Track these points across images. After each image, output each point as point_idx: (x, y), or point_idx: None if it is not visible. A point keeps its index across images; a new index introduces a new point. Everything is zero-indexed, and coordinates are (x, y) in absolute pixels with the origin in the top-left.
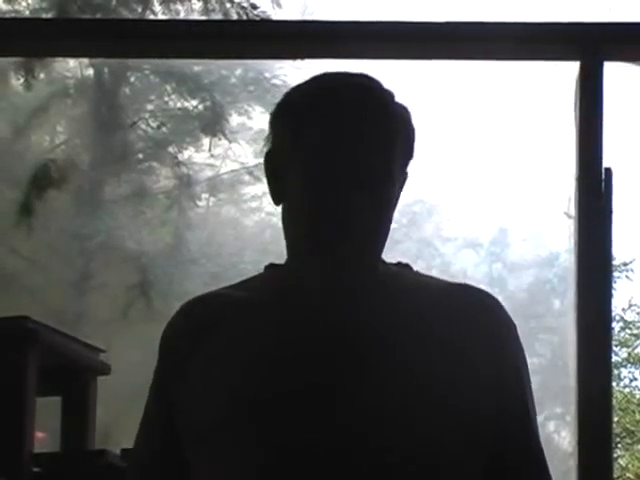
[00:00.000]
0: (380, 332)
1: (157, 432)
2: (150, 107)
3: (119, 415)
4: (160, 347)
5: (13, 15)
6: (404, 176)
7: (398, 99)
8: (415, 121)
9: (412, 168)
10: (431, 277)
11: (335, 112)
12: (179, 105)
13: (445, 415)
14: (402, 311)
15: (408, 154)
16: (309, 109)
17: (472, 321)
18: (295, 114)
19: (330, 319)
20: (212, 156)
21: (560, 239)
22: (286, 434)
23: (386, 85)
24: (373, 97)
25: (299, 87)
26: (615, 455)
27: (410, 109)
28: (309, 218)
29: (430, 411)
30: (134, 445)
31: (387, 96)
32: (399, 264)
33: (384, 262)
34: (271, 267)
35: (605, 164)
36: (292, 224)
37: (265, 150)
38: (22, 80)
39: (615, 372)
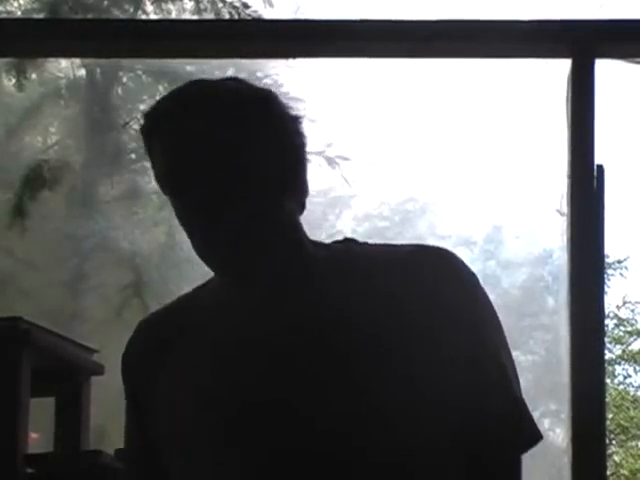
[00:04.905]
0: (346, 322)
1: (136, 441)
2: (143, 107)
3: (113, 415)
4: (124, 365)
5: (4, 16)
6: (288, 155)
7: (247, 87)
8: (401, 116)
9: (405, 166)
10: (381, 246)
11: (166, 123)
12: None
13: (426, 404)
14: (364, 293)
15: (275, 137)
16: (150, 130)
17: (439, 290)
18: (145, 138)
19: (288, 315)
20: None
21: (553, 236)
22: (263, 443)
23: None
24: (203, 100)
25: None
26: (609, 452)
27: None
28: (197, 245)
29: (411, 402)
30: (124, 448)
31: (224, 87)
32: (345, 240)
33: (325, 243)
34: None
35: (597, 161)
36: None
37: None
38: (14, 81)
39: (609, 369)
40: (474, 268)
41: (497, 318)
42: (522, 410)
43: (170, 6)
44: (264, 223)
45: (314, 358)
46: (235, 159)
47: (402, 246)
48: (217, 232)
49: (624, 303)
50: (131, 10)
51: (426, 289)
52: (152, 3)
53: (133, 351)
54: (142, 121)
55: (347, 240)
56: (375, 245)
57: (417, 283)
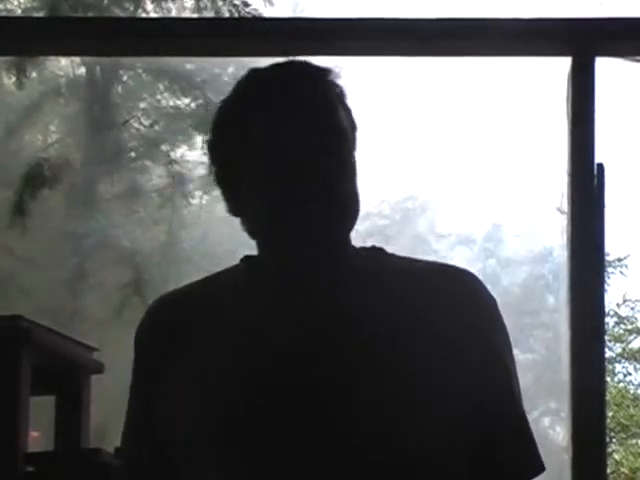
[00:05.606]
0: (366, 325)
1: (141, 432)
2: (143, 105)
3: (114, 414)
4: (136, 345)
5: (4, 14)
6: (355, 152)
7: (330, 76)
8: (402, 115)
9: (405, 164)
10: (407, 259)
11: (270, 98)
12: (172, 103)
13: (432, 409)
14: (384, 298)
15: (352, 124)
16: (244, 110)
17: (459, 309)
18: (234, 121)
19: (310, 311)
20: (205, 154)
21: (553, 235)
22: (264, 443)
23: (326, 66)
24: (303, 73)
25: (226, 99)
26: (609, 450)
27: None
28: (279, 202)
29: (417, 405)
30: (121, 445)
31: (318, 70)
32: (373, 248)
33: (356, 247)
34: (247, 259)
35: (597, 160)
36: (260, 220)
37: (213, 174)
38: (14, 79)
39: (609, 367)
40: (474, 267)
41: (509, 343)
42: (523, 418)
43: (170, 4)
44: (352, 211)
45: (324, 359)
46: (344, 141)
47: (428, 262)
48: (323, 204)
49: (624, 301)
50: (131, 8)
51: (445, 304)
52: (152, 1)
53: (146, 334)
54: (245, 82)
55: (374, 248)
56: (402, 258)
57: (437, 297)
